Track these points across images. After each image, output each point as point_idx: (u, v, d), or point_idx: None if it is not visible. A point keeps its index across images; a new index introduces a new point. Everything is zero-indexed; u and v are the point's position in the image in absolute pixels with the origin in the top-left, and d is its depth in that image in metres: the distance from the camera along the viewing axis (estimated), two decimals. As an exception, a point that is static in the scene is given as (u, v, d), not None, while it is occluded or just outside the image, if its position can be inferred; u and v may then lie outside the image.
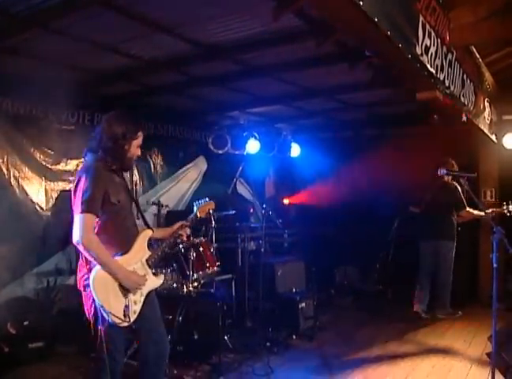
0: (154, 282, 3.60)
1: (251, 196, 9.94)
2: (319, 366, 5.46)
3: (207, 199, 4.10)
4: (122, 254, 3.41)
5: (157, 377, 3.69)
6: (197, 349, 5.33)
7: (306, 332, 6.45)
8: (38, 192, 6.33)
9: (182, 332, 5.28)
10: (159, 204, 7.32)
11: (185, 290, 5.50)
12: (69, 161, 6.60)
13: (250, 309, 6.70)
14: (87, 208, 3.22)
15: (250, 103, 7.85)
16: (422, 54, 4.15)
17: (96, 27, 4.57)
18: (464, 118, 5.92)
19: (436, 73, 4.59)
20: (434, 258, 7.43)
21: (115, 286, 3.30)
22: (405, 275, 8.16)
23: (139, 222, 3.80)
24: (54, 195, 6.48)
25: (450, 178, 7.15)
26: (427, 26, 4.17)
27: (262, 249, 6.60)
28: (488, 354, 4.78)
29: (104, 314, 3.19)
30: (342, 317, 7.64)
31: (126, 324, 3.29)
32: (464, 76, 5.60)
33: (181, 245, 5.60)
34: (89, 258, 3.25)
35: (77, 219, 3.24)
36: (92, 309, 3.27)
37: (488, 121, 7.33)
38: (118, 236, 3.45)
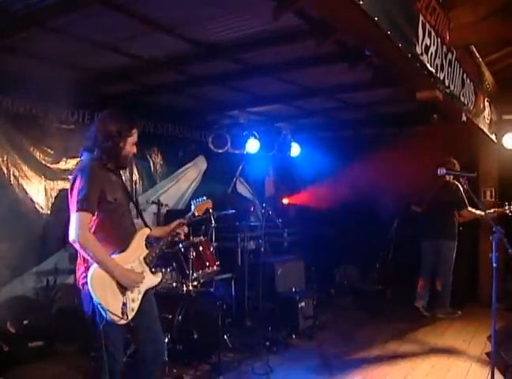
0: (152, 280, 3.61)
1: (251, 195, 9.93)
2: (319, 366, 5.46)
3: (204, 197, 4.13)
4: (119, 252, 3.42)
5: (154, 375, 3.70)
6: (197, 348, 5.33)
7: (305, 332, 6.46)
8: (38, 191, 6.33)
9: (181, 331, 5.29)
10: (158, 204, 7.32)
11: (184, 289, 5.51)
12: (68, 160, 6.60)
13: (249, 308, 6.70)
14: (82, 206, 3.23)
15: (250, 102, 7.84)
16: (422, 54, 4.15)
17: (96, 26, 4.57)
18: (464, 118, 5.93)
19: (436, 72, 4.59)
20: (435, 258, 7.44)
21: (113, 284, 3.30)
22: (405, 275, 8.16)
23: (138, 221, 3.80)
24: (54, 194, 6.48)
25: (452, 177, 7.14)
26: (427, 25, 4.17)
27: (262, 249, 6.60)
28: (488, 354, 4.79)
29: (102, 312, 3.20)
30: (342, 317, 7.64)
31: (123, 321, 3.29)
32: (464, 75, 5.60)
33: (180, 245, 5.62)
34: (86, 256, 3.26)
35: (73, 217, 3.25)
36: (90, 307, 3.28)
37: (488, 121, 7.33)
38: (116, 234, 3.45)
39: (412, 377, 5.10)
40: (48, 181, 6.44)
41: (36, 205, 6.31)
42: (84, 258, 3.31)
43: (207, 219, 6.03)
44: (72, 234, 3.22)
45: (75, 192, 3.29)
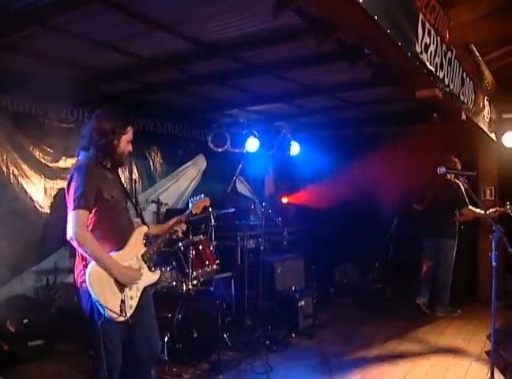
0: (150, 277, 3.62)
1: (251, 194, 9.94)
2: (318, 365, 5.46)
3: (202, 195, 4.12)
4: (117, 250, 3.43)
5: (148, 373, 3.72)
6: (197, 347, 5.33)
7: (305, 331, 6.46)
8: (37, 190, 6.32)
9: (181, 330, 5.28)
10: (158, 203, 7.32)
11: (184, 288, 5.51)
12: (68, 159, 6.59)
13: (249, 307, 6.70)
14: (79, 204, 3.25)
15: (249, 101, 7.84)
16: (421, 52, 4.15)
17: (96, 25, 4.56)
18: (464, 117, 5.93)
19: (436, 71, 4.59)
20: (435, 256, 7.45)
21: (111, 281, 3.31)
22: (405, 274, 8.17)
23: (138, 220, 3.81)
24: (53, 193, 6.47)
25: (453, 176, 7.13)
26: (427, 24, 4.17)
27: (262, 248, 6.60)
28: (487, 353, 4.80)
29: (100, 309, 3.20)
30: (341, 316, 7.64)
31: (122, 318, 3.30)
32: (464, 74, 5.60)
33: (180, 244, 5.61)
34: (84, 254, 3.28)
35: (70, 215, 3.27)
36: (89, 304, 3.28)
37: (488, 120, 7.33)
38: (113, 232, 3.46)
39: (411, 376, 5.10)
40: (48, 180, 6.44)
41: (36, 204, 6.30)
42: (82, 256, 3.32)
43: (207, 217, 6.03)
44: (69, 232, 3.23)
45: (71, 190, 3.31)
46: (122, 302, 3.32)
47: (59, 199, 6.37)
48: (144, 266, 3.57)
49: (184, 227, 3.96)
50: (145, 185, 7.92)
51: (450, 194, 7.29)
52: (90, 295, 3.22)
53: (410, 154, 8.22)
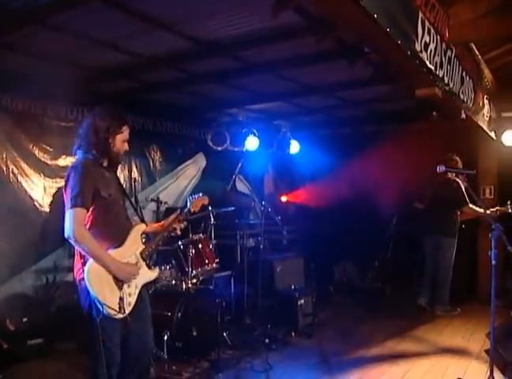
0: (149, 274, 3.63)
1: (250, 193, 9.94)
2: (318, 363, 5.46)
3: (200, 194, 4.13)
4: (115, 248, 3.44)
5: (141, 369, 3.74)
6: (196, 345, 5.33)
7: (304, 329, 6.46)
8: (37, 188, 6.32)
9: (180, 328, 5.28)
10: (158, 201, 7.31)
11: (184, 286, 5.51)
12: (67, 158, 6.58)
13: (248, 305, 6.70)
14: (76, 202, 3.26)
15: (249, 99, 7.84)
16: (421, 51, 4.15)
17: (96, 23, 4.56)
18: (464, 115, 5.93)
19: (435, 69, 4.59)
20: (435, 254, 7.45)
21: (109, 278, 3.32)
22: (404, 272, 8.18)
23: (137, 219, 3.82)
24: (53, 191, 6.46)
25: (454, 174, 7.14)
26: (427, 22, 4.18)
27: (261, 246, 6.61)
28: (487, 351, 4.80)
29: (99, 306, 3.22)
30: (341, 314, 7.64)
31: (121, 315, 3.31)
32: (464, 73, 5.60)
33: (180, 242, 5.61)
34: (82, 252, 3.29)
35: (68, 214, 3.28)
36: (87, 301, 3.29)
37: (487, 118, 7.33)
38: (111, 230, 3.48)
39: (410, 375, 5.10)
40: (47, 178, 6.43)
41: (35, 203, 6.30)
42: (80, 254, 3.33)
43: (206, 216, 6.04)
44: (67, 231, 3.25)
45: (69, 189, 3.33)
46: (121, 299, 3.33)
47: (59, 197, 6.36)
48: (143, 264, 3.58)
49: (183, 225, 3.97)
50: (145, 184, 7.92)
51: (450, 193, 7.29)
52: (89, 293, 3.23)
53: (409, 153, 8.23)
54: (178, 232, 4.00)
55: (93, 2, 4.03)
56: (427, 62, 4.34)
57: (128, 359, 3.56)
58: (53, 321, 5.70)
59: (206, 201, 4.14)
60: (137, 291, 3.50)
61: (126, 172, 7.48)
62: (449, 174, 7.16)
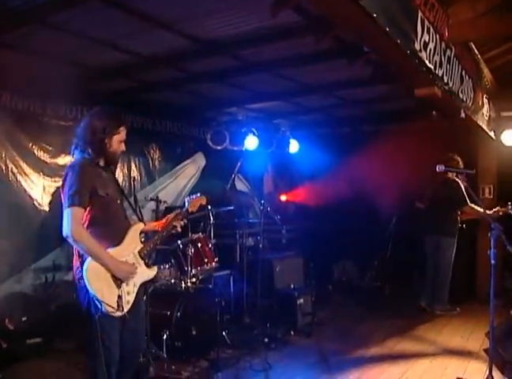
0: (147, 273, 3.64)
1: (250, 192, 9.94)
2: (317, 362, 5.46)
3: (198, 194, 4.15)
4: (113, 247, 3.45)
5: (132, 370, 3.75)
6: (195, 345, 5.33)
7: (304, 328, 6.45)
8: (36, 187, 6.32)
9: (180, 327, 5.28)
10: (157, 200, 7.29)
11: (183, 285, 5.51)
12: (66, 156, 6.57)
13: (248, 305, 6.70)
14: (73, 201, 3.28)
15: (248, 99, 7.83)
16: (420, 50, 4.15)
17: (95, 22, 4.56)
18: (463, 115, 5.92)
19: (435, 69, 4.59)
20: (434, 254, 7.46)
21: (108, 276, 3.33)
22: (403, 272, 8.17)
23: (135, 217, 3.82)
24: (52, 190, 6.46)
25: (454, 174, 7.13)
26: (426, 22, 4.17)
27: (260, 245, 6.60)
28: (486, 351, 4.81)
29: (97, 303, 3.22)
30: (340, 313, 7.64)
31: (119, 313, 3.31)
32: (463, 72, 5.60)
33: (179, 241, 5.61)
34: (80, 251, 3.30)
35: (65, 213, 3.30)
36: (86, 299, 3.30)
37: (487, 118, 7.33)
38: (109, 229, 3.48)
39: (410, 374, 5.10)
40: (46, 177, 6.43)
41: (35, 202, 6.30)
42: (79, 253, 3.34)
43: (205, 215, 6.04)
44: (65, 229, 3.27)
45: (66, 188, 3.34)
46: (119, 297, 3.34)
47: (58, 197, 6.33)
48: (142, 262, 3.58)
49: (183, 223, 3.98)
50: (144, 183, 7.92)
51: (449, 192, 7.29)
52: (87, 290, 3.24)
53: (409, 152, 8.22)
54: (179, 229, 4.01)
55: (92, 1, 4.03)
56: (427, 62, 4.34)
57: (123, 357, 3.57)
58: (52, 320, 5.69)
59: (204, 201, 4.16)
60: (136, 290, 3.51)
61: (126, 171, 7.48)
62: (449, 174, 7.16)
